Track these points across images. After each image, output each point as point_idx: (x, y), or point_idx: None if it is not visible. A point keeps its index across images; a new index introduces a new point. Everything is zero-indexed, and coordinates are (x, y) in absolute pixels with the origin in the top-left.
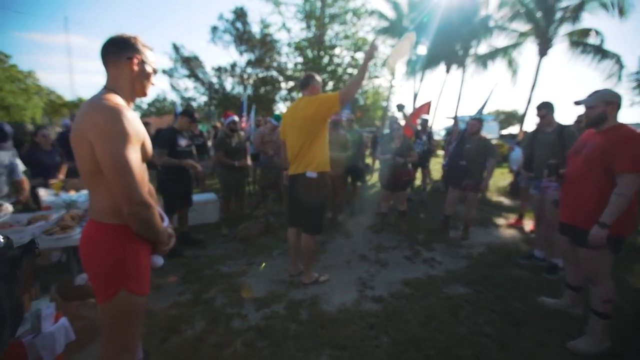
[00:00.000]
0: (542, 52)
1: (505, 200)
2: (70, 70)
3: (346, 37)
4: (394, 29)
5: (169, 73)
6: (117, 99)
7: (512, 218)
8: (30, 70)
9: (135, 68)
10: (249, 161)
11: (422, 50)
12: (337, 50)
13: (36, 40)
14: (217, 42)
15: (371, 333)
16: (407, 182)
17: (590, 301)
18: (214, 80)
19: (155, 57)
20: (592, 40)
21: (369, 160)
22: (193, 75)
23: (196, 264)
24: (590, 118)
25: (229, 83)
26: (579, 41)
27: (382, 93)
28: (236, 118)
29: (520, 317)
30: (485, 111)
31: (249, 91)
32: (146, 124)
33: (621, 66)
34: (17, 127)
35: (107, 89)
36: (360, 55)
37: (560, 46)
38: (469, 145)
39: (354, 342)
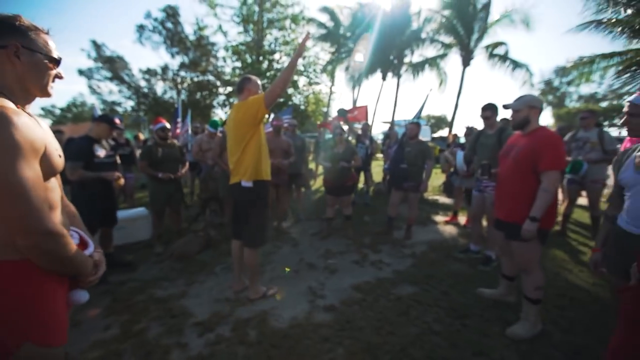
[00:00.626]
0: (465, 62)
1: (441, 199)
2: None
3: (285, 42)
4: (332, 36)
5: (87, 74)
6: (3, 102)
7: (448, 215)
8: None
9: (18, 59)
10: (182, 171)
11: (359, 57)
12: (276, 56)
13: None
14: (145, 43)
15: (326, 346)
16: (352, 186)
17: (524, 289)
18: (142, 83)
19: (55, 43)
20: (503, 51)
21: (312, 166)
22: (117, 77)
23: (124, 290)
24: (516, 121)
25: (159, 87)
26: (494, 53)
27: (322, 100)
28: (167, 124)
29: (464, 311)
30: (421, 116)
31: (183, 96)
32: (58, 132)
33: (530, 74)
34: None
35: None
36: (300, 61)
37: (480, 57)
38: (408, 148)
39: (308, 359)
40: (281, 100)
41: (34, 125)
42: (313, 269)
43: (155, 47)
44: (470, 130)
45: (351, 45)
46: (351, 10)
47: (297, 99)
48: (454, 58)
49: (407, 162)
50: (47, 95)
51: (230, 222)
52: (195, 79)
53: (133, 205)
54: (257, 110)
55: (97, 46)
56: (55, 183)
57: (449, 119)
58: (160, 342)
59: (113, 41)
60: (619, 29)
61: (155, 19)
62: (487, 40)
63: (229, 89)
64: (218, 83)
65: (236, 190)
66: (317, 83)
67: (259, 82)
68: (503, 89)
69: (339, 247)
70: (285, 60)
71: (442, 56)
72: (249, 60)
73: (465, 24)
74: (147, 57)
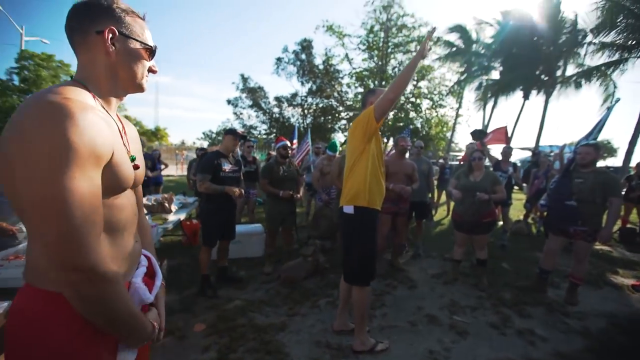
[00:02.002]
0: None
1: (616, 251)
2: (156, 105)
3: None
4: (461, 54)
5: (234, 103)
6: (74, 94)
7: (635, 277)
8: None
9: (111, 46)
10: (300, 192)
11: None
12: None
13: None
14: (281, 74)
15: None
16: (490, 223)
17: None
18: (275, 109)
19: (150, 33)
20: None
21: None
22: (256, 104)
23: (230, 309)
24: None
25: (289, 113)
26: None
27: (447, 122)
28: (288, 143)
29: None
30: (599, 136)
31: (309, 120)
32: (202, 150)
33: None
34: None
35: (72, 80)
36: (424, 84)
37: None
38: (579, 180)
39: None
40: (400, 124)
41: (102, 126)
42: (435, 323)
43: (289, 77)
44: None
45: (485, 63)
46: (490, 24)
47: (418, 123)
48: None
49: (577, 198)
50: (141, 89)
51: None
52: (320, 104)
53: (253, 221)
54: (366, 123)
55: (244, 79)
56: (125, 201)
57: (615, 144)
58: None
59: (257, 76)
60: None
61: (292, 52)
62: None
63: (351, 114)
64: (340, 108)
65: (340, 216)
66: (442, 106)
67: None
68: None
69: (469, 300)
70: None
71: (617, 63)
72: (372, 86)
73: None
74: (283, 87)
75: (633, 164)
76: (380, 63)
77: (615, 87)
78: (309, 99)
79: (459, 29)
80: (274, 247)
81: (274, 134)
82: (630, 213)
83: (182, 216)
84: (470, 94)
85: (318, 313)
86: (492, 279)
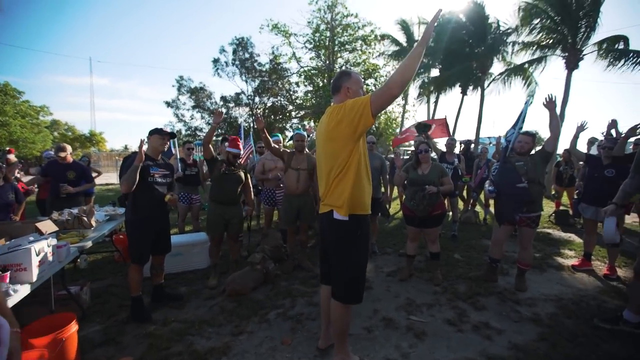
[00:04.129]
0: (571, 65)
1: (553, 232)
2: (92, 108)
3: (357, 64)
4: (405, 53)
5: (173, 104)
6: None
7: (576, 257)
8: (43, 105)
9: None
10: (252, 199)
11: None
12: None
13: (64, 82)
14: (222, 74)
15: None
16: (440, 216)
17: None
18: (222, 110)
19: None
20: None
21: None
22: (198, 105)
23: (164, 335)
24: None
25: (238, 113)
26: (611, 49)
27: (395, 119)
28: (241, 151)
29: None
30: (524, 126)
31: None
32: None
33: None
34: None
35: None
36: (371, 82)
37: (590, 57)
38: (520, 163)
39: None
40: None
41: None
42: (392, 327)
43: (231, 77)
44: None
45: (425, 60)
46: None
47: None
48: (553, 62)
49: (527, 179)
50: None
51: (319, 262)
52: (269, 104)
53: (197, 229)
54: (358, 118)
55: (183, 80)
56: None
57: (543, 135)
58: None
59: (206, 78)
60: None
61: (233, 50)
62: (600, 35)
63: (302, 112)
64: (290, 107)
65: (326, 223)
66: None
67: (362, 79)
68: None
69: (425, 297)
70: None
71: (537, 61)
72: (321, 84)
73: (569, 17)
74: (233, 88)
75: (560, 151)
76: (327, 62)
77: (536, 83)
78: (257, 98)
79: (403, 25)
80: (218, 256)
81: (222, 135)
82: (562, 196)
83: (107, 231)
84: (414, 90)
85: (267, 329)
86: (446, 271)
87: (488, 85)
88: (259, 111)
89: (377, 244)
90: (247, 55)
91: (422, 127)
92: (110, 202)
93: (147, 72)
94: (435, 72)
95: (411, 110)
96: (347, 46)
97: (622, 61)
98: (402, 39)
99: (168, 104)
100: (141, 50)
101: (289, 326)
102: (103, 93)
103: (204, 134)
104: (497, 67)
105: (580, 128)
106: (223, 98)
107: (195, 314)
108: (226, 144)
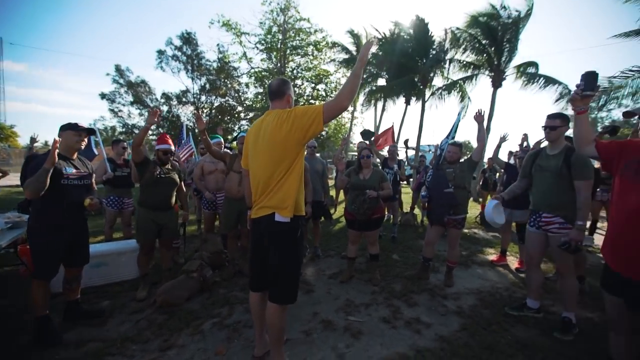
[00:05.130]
0: (496, 84)
1: (479, 232)
2: (2, 97)
3: (308, 69)
4: (354, 62)
5: (110, 97)
6: None
7: (495, 254)
8: None
9: None
10: (186, 204)
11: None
12: (298, 82)
13: None
14: (165, 68)
15: None
16: (379, 219)
17: None
18: (164, 108)
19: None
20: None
21: (332, 193)
22: (138, 101)
23: (78, 357)
24: None
25: (182, 112)
26: (526, 71)
27: (344, 125)
28: (172, 147)
29: None
30: (456, 136)
31: (204, 119)
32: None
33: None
34: None
35: None
36: (322, 87)
37: (511, 77)
38: (449, 169)
39: None
40: None
41: None
42: (330, 328)
43: (176, 72)
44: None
45: (372, 70)
46: (379, 35)
47: None
48: (482, 80)
49: (454, 185)
50: None
51: (249, 268)
52: (216, 103)
53: (129, 236)
54: (310, 124)
55: (119, 71)
56: None
57: (473, 144)
58: None
59: (148, 72)
60: None
61: (175, 46)
62: (518, 59)
63: (251, 114)
64: (239, 108)
65: (265, 226)
66: None
67: None
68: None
69: (363, 297)
70: (306, 86)
71: (469, 78)
72: None
73: (495, 43)
74: (177, 84)
75: (485, 159)
76: (279, 64)
77: (469, 98)
78: (203, 97)
79: (353, 35)
80: (148, 265)
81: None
82: (486, 199)
83: (6, 241)
84: (362, 96)
85: (200, 340)
86: (384, 271)
87: (428, 98)
88: (203, 111)
89: (320, 247)
90: (190, 51)
91: (367, 134)
92: (14, 207)
93: (76, 61)
94: (382, 82)
95: (359, 116)
96: (298, 50)
97: (533, 83)
98: (352, 47)
99: (103, 95)
100: (73, 38)
101: (225, 335)
102: (17, 81)
103: None
104: (437, 81)
105: (503, 139)
106: (165, 95)
107: (118, 331)
108: (154, 143)
